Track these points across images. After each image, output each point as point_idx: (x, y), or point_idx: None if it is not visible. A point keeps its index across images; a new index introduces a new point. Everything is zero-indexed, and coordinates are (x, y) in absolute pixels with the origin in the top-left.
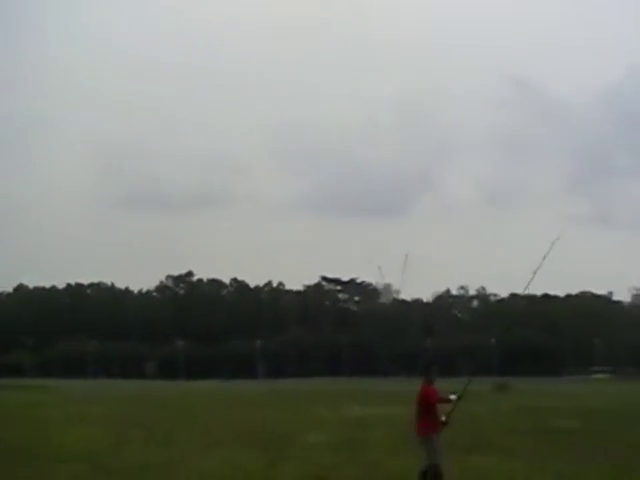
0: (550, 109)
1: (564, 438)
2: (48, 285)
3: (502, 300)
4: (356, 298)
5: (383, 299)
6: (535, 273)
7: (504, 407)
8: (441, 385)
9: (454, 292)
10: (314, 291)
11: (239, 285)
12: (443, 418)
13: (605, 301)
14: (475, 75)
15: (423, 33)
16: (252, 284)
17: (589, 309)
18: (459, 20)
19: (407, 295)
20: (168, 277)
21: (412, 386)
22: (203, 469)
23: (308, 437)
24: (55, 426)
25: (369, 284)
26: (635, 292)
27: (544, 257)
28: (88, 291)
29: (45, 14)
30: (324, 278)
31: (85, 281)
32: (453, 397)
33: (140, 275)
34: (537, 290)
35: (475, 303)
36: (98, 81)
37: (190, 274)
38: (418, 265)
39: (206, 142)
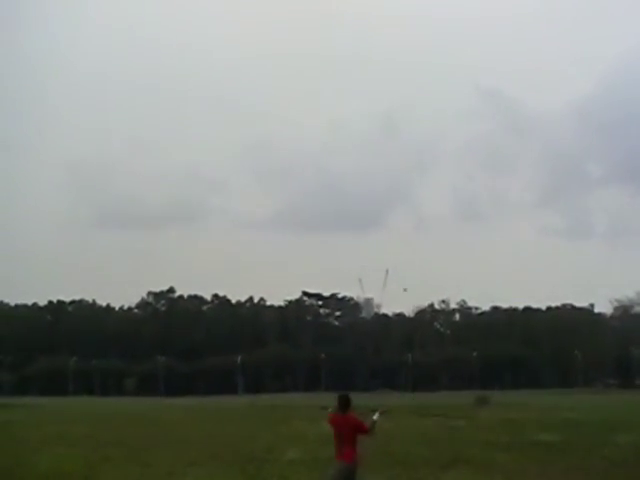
0: (524, 121)
1: (543, 452)
2: (30, 302)
3: (483, 313)
4: (337, 313)
5: (364, 314)
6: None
7: (484, 420)
8: (424, 398)
9: (436, 306)
10: (295, 306)
11: (220, 301)
12: (375, 417)
13: (586, 313)
14: (449, 87)
15: (395, 45)
16: (233, 300)
17: (570, 322)
18: (432, 32)
19: (388, 310)
20: (149, 294)
21: (392, 400)
22: None
23: (287, 454)
24: (30, 447)
25: (350, 299)
26: (616, 304)
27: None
28: (69, 308)
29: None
30: (305, 293)
31: (66, 298)
32: (375, 417)
33: (121, 292)
34: (518, 303)
35: (457, 317)
36: (71, 101)
37: (171, 290)
38: (399, 280)
39: (181, 159)
